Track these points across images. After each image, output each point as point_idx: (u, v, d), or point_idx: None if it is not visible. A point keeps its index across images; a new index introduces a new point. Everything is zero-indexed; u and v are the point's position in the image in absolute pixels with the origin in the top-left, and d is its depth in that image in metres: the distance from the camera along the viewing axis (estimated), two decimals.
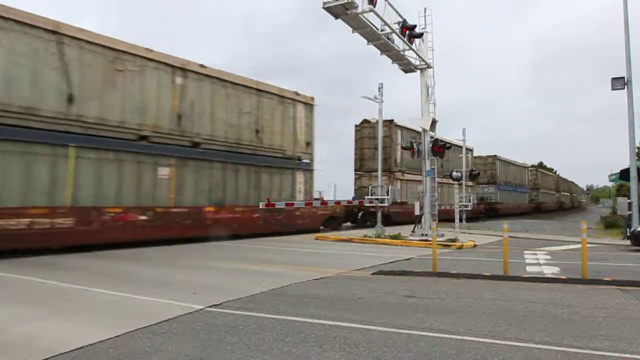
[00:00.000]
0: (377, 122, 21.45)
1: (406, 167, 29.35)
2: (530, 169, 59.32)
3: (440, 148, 17.95)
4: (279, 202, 20.51)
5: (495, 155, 45.72)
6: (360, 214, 25.68)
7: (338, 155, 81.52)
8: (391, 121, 28.19)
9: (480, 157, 44.48)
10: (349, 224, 26.15)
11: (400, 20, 16.54)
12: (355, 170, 29.47)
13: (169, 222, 15.41)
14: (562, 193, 78.83)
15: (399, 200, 26.50)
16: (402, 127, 29.05)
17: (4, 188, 11.79)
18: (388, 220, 25.27)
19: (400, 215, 26.65)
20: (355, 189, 28.85)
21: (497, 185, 44.70)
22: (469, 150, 35.15)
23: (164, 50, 16.02)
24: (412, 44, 17.15)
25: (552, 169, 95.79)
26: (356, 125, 29.64)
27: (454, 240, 16.78)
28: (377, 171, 25.36)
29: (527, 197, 55.16)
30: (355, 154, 29.49)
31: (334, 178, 69.46)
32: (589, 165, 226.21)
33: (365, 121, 29.01)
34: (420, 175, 28.42)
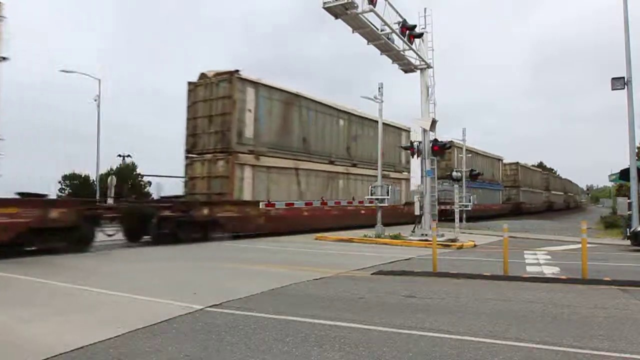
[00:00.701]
0: (379, 122, 21.28)
1: (267, 146, 19.85)
2: (508, 163, 51.23)
3: (440, 148, 17.93)
4: (279, 202, 20.31)
5: (451, 141, 36.37)
6: (155, 221, 15.36)
7: None
8: (233, 73, 18.64)
9: None
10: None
11: (400, 20, 16.57)
12: (185, 152, 19.88)
13: None
14: (554, 192, 71.15)
15: (249, 199, 18.79)
16: (257, 84, 19.54)
17: None
18: (213, 230, 16.76)
19: (239, 222, 17.64)
20: (185, 181, 19.86)
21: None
22: (405, 131, 29.41)
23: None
24: (412, 44, 17.17)
25: (552, 169, 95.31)
26: (189, 84, 19.86)
27: (454, 240, 16.79)
28: (213, 153, 18.72)
29: (500, 195, 47.07)
30: (187, 128, 19.91)
31: None
32: (589, 165, 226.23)
33: (202, 76, 19.66)
34: (302, 160, 21.42)
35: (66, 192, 43.47)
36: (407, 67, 18.00)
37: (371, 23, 15.31)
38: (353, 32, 15.35)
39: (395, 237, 17.51)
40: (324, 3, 13.94)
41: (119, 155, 47.39)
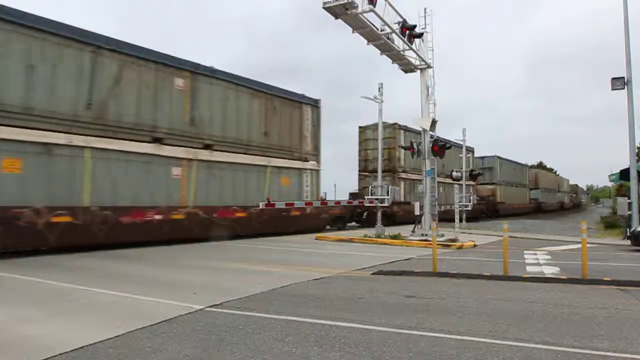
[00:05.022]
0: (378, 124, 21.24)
1: (36, 111, 12.15)
2: (482, 157, 43.88)
3: (440, 148, 17.91)
4: (279, 202, 20.34)
5: (395, 124, 29.09)
6: None
7: (340, 158, 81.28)
8: None
9: (365, 128, 28.66)
10: None
11: (400, 20, 16.54)
12: None
13: None
14: (544, 191, 63.12)
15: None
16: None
17: None
18: None
19: None
20: None
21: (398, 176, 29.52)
22: (310, 105, 22.95)
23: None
24: (412, 44, 17.15)
25: (552, 169, 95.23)
26: None
27: (454, 240, 16.78)
28: None
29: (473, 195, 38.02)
30: None
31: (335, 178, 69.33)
32: (589, 165, 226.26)
33: None
34: (86, 135, 12.62)
35: None
36: (407, 67, 17.99)
37: (371, 23, 15.29)
38: (353, 32, 15.33)
39: (395, 237, 17.50)
40: (324, 3, 13.93)
41: None
